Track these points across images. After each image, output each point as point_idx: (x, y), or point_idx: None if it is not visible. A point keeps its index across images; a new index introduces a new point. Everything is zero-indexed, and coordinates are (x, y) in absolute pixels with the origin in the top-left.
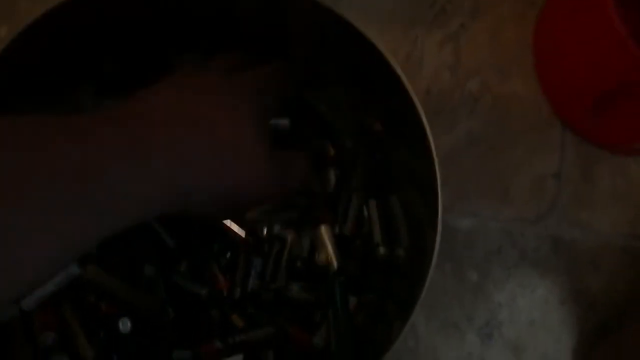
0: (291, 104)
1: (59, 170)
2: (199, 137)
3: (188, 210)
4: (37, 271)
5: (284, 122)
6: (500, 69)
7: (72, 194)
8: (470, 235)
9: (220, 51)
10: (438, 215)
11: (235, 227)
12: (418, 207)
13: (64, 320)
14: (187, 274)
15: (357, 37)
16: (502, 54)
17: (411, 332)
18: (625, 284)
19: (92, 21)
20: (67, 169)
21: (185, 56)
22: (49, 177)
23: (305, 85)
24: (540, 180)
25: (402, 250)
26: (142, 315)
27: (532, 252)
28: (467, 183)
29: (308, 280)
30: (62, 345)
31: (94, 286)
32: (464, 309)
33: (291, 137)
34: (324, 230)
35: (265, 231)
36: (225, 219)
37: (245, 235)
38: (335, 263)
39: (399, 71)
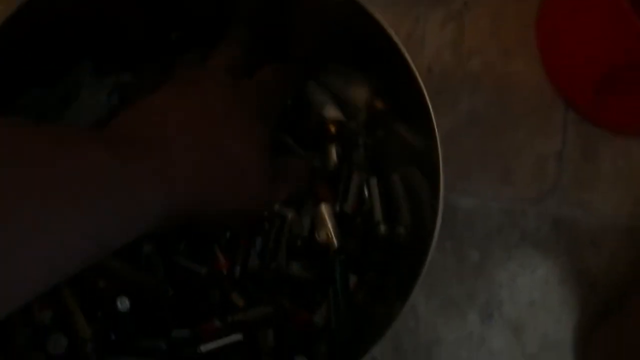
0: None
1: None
2: (199, 152)
3: (191, 223)
4: (35, 284)
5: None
6: (502, 48)
7: (70, 209)
8: (471, 214)
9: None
10: (440, 194)
11: None
12: (419, 185)
13: (62, 298)
14: (186, 253)
15: (361, 15)
16: (505, 34)
17: (411, 311)
18: (626, 265)
19: None
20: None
21: (185, 56)
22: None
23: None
24: (541, 160)
25: (403, 229)
26: (140, 294)
27: (533, 232)
28: (469, 162)
29: (308, 258)
30: (59, 324)
31: (92, 264)
32: (464, 288)
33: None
34: (324, 209)
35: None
36: (225, 230)
37: None
38: (335, 241)
39: (403, 49)
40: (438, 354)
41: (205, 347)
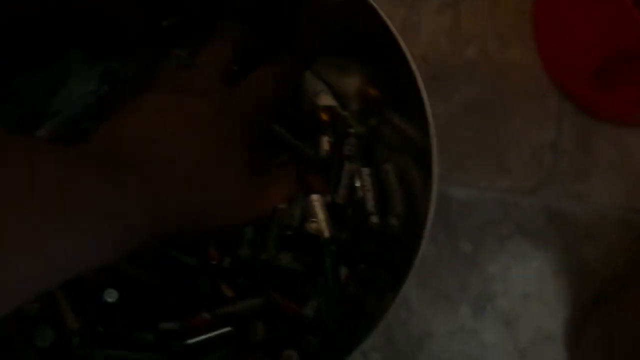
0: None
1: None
2: (184, 170)
3: (174, 240)
4: (19, 298)
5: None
6: (499, 36)
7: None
8: (465, 205)
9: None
10: (432, 185)
11: None
12: (413, 175)
13: (48, 290)
14: (176, 243)
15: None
16: (502, 22)
17: (403, 303)
18: (621, 257)
19: None
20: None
21: (174, 52)
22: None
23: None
24: (537, 150)
25: (396, 219)
26: (128, 286)
27: (528, 223)
28: (463, 152)
29: (299, 249)
30: (46, 316)
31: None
32: (457, 280)
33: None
34: (315, 199)
35: None
36: (209, 243)
37: None
38: (326, 232)
39: (397, 34)
40: (430, 347)
41: (193, 340)
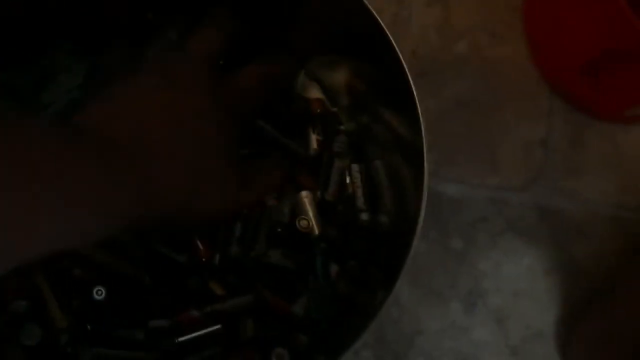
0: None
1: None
2: (169, 155)
3: (156, 225)
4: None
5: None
6: (489, 31)
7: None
8: (455, 201)
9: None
10: (424, 184)
11: None
12: (403, 172)
13: (36, 288)
14: (164, 241)
15: None
16: (492, 17)
17: (394, 300)
18: (612, 254)
19: None
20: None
21: (164, 37)
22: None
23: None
24: (527, 147)
25: (386, 217)
26: (117, 283)
27: (519, 220)
28: (453, 148)
29: (289, 246)
30: (34, 314)
31: (67, 253)
32: (447, 277)
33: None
34: (304, 196)
35: None
36: (194, 234)
37: None
38: (316, 229)
39: (386, 30)
40: (421, 344)
41: (183, 338)
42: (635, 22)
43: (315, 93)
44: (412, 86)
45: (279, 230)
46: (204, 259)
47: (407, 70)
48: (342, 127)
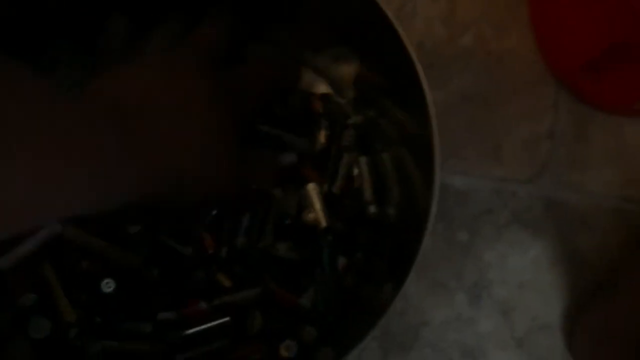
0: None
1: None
2: (169, 131)
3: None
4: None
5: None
6: (495, 24)
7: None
8: (461, 193)
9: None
10: (434, 177)
11: None
12: (410, 165)
13: (45, 281)
14: (172, 233)
15: None
16: (498, 9)
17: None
18: (616, 246)
19: None
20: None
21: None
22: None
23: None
24: (533, 139)
25: (393, 209)
26: (125, 276)
27: (524, 212)
28: (459, 140)
29: (296, 239)
30: (42, 307)
31: (75, 245)
32: (453, 269)
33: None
34: (311, 189)
35: None
36: (189, 220)
37: None
38: (323, 222)
39: (396, 24)
40: (426, 336)
41: (191, 331)
42: None
43: (321, 88)
44: (423, 79)
45: (286, 222)
46: (210, 252)
47: (418, 64)
48: (350, 121)
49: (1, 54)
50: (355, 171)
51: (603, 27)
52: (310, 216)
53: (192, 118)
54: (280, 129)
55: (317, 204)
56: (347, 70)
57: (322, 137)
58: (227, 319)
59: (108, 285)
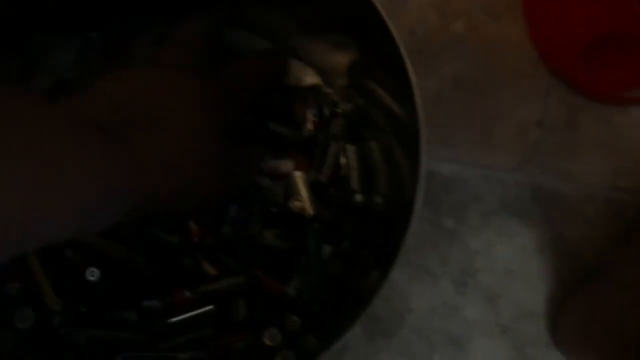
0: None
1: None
2: (163, 146)
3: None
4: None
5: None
6: (488, 10)
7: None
8: (448, 180)
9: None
10: (420, 165)
11: None
12: (398, 153)
13: (28, 270)
14: (157, 221)
15: None
16: None
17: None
18: (604, 235)
19: None
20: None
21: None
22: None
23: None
24: (523, 127)
25: (380, 198)
26: (110, 264)
27: (512, 200)
28: (449, 127)
29: (282, 227)
30: (27, 296)
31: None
32: (439, 255)
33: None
34: (298, 177)
35: None
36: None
37: None
38: (310, 210)
39: (382, 12)
40: (412, 322)
41: (176, 319)
42: (636, 6)
43: (309, 79)
44: (410, 68)
45: (273, 210)
46: (196, 240)
47: (404, 52)
48: (339, 110)
49: None
50: (343, 160)
51: (594, 16)
52: (297, 204)
53: (183, 120)
54: (267, 118)
55: (304, 192)
56: (342, 58)
57: (309, 125)
58: (211, 307)
59: (92, 274)
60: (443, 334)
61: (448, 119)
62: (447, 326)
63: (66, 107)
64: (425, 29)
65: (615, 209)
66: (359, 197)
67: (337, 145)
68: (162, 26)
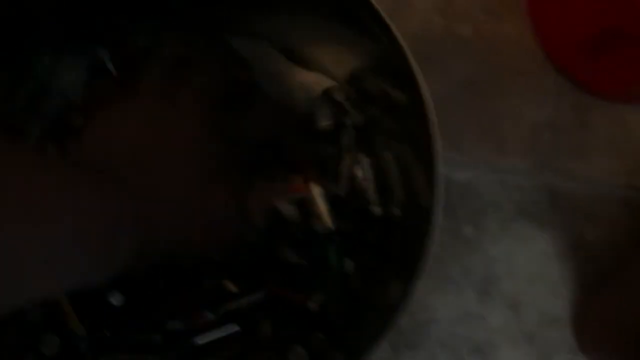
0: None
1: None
2: (169, 185)
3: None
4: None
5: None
6: (492, 12)
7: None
8: (464, 187)
9: None
10: (436, 176)
11: None
12: (412, 162)
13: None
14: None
15: None
16: None
17: None
18: (623, 235)
19: None
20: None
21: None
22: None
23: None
24: (534, 129)
25: (397, 209)
26: (131, 287)
27: (528, 204)
28: (460, 133)
29: (302, 243)
30: (51, 323)
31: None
32: (460, 264)
33: None
34: (315, 191)
35: None
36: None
37: None
38: (328, 224)
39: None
40: (436, 333)
41: (201, 339)
42: (637, 1)
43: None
44: (416, 71)
45: (292, 227)
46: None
47: (412, 60)
48: (350, 122)
49: None
50: (359, 172)
51: (596, 12)
52: (315, 219)
53: (190, 161)
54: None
55: (322, 207)
56: (343, 68)
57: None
58: (237, 327)
59: (115, 298)
60: (468, 343)
61: (458, 123)
62: (472, 335)
63: (66, 154)
64: (430, 34)
65: (632, 209)
66: (376, 209)
67: (351, 156)
68: (176, 47)
